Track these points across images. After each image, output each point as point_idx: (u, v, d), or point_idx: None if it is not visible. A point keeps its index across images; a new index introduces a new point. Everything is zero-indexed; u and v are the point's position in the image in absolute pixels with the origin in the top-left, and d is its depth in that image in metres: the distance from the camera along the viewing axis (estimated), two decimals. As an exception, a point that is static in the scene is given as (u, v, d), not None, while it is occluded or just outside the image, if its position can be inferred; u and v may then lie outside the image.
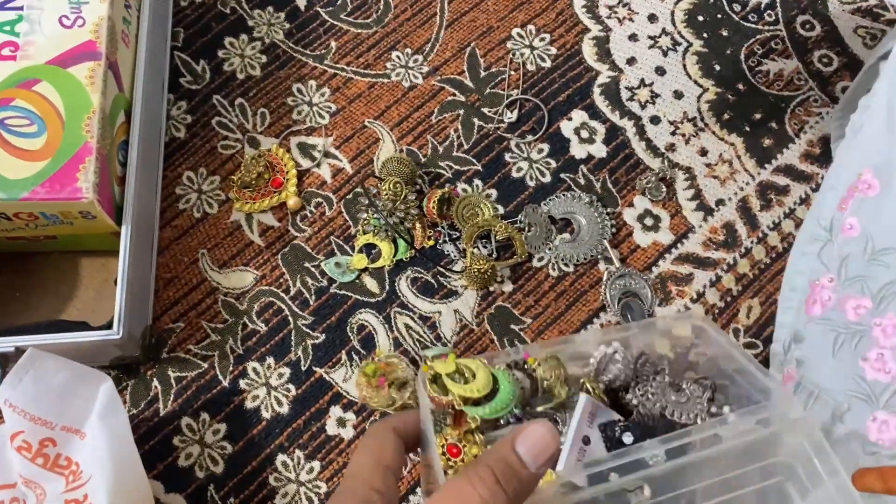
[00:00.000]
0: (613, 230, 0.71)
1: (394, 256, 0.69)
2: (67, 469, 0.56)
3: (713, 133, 0.75)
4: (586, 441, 0.51)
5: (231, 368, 0.65)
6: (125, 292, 0.60)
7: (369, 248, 0.70)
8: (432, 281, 0.69)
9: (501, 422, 0.50)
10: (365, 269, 0.69)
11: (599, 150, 0.74)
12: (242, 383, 0.65)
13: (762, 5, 0.80)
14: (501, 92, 0.76)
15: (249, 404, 0.65)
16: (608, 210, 0.71)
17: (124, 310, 0.59)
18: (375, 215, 0.68)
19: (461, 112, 0.75)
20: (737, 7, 0.80)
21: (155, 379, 0.65)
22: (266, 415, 0.64)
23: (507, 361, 0.53)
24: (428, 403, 0.46)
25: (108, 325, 0.60)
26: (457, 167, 0.73)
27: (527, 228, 0.70)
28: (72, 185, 0.58)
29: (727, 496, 0.49)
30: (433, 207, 0.69)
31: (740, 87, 0.77)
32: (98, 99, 0.60)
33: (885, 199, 0.58)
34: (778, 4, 0.80)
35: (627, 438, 0.52)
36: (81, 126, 0.59)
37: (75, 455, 0.56)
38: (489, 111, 0.75)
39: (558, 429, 0.52)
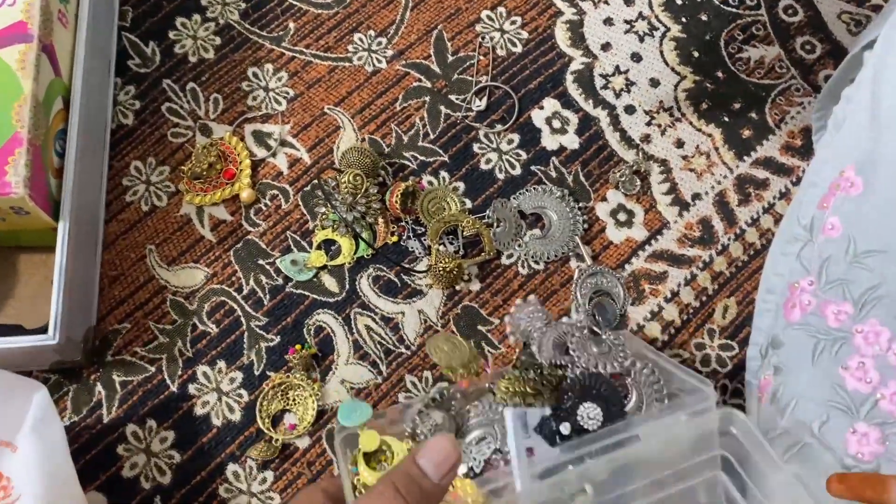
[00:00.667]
0: (585, 226, 0.67)
1: (354, 253, 0.65)
2: (-2, 485, 0.52)
3: (690, 123, 0.72)
4: (531, 453, 0.49)
5: (180, 372, 0.62)
6: (62, 293, 0.56)
7: (328, 245, 0.66)
8: (395, 280, 0.65)
9: None
10: (323, 267, 0.65)
11: (572, 141, 0.71)
12: (192, 388, 0.61)
13: (743, -11, 0.77)
14: (470, 78, 0.72)
15: (199, 410, 0.61)
16: (580, 205, 0.68)
17: (61, 312, 0.55)
18: (334, 210, 0.64)
19: (427, 99, 0.71)
20: (717, -10, 0.77)
21: (99, 384, 0.61)
22: (217, 422, 0.61)
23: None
24: (347, 474, 0.46)
25: (45, 329, 0.56)
26: (422, 158, 0.69)
27: (495, 224, 0.66)
28: (0, 178, 0.53)
29: (666, 492, 0.49)
30: (396, 202, 0.65)
31: (719, 74, 0.74)
32: (30, 85, 0.56)
33: (868, 198, 0.55)
34: (760, -12, 0.77)
35: (565, 429, 0.49)
36: (11, 115, 0.55)
37: (6, 469, 0.52)
38: (457, 98, 0.71)
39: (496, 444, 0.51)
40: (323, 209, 0.66)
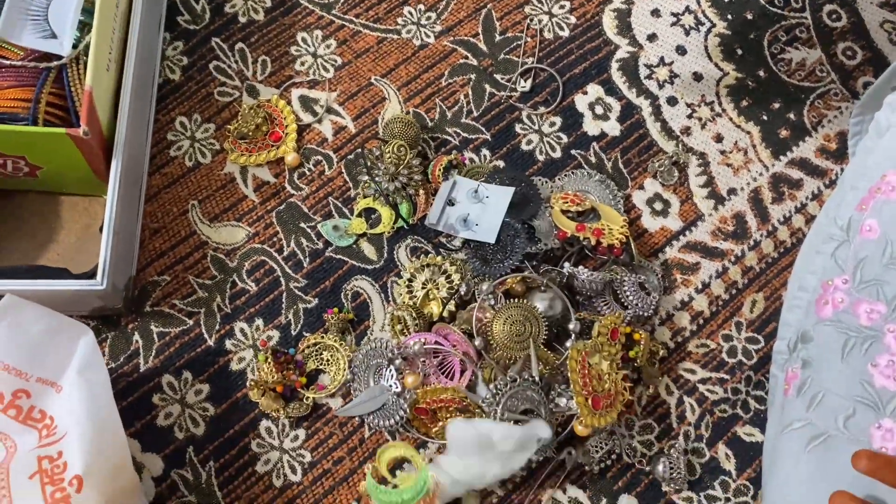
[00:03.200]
0: (624, 215, 0.68)
1: (394, 223, 0.66)
2: (41, 423, 0.53)
3: (730, 119, 0.73)
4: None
5: (217, 327, 0.63)
6: (111, 241, 0.57)
7: (369, 213, 0.67)
8: (432, 252, 0.66)
9: None
10: (363, 235, 0.66)
11: (613, 127, 0.72)
12: (228, 344, 0.62)
13: (790, -10, 0.78)
14: (516, 59, 0.73)
15: (235, 366, 0.62)
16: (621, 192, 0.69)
17: (109, 260, 0.56)
18: (374, 181, 0.65)
19: (473, 77, 0.72)
20: (764, -10, 0.78)
21: (136, 333, 0.62)
22: (252, 378, 0.62)
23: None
24: None
25: (91, 275, 0.57)
26: (465, 134, 0.70)
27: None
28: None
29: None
30: (439, 175, 0.66)
31: (761, 73, 0.75)
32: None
33: (910, 203, 0.56)
34: (806, -9, 0.78)
35: None
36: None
37: (50, 408, 0.53)
38: (502, 78, 0.72)
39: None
40: (365, 178, 0.66)
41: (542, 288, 0.61)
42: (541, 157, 0.70)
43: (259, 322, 0.63)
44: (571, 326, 0.59)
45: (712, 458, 0.63)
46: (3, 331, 0.51)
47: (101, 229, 0.58)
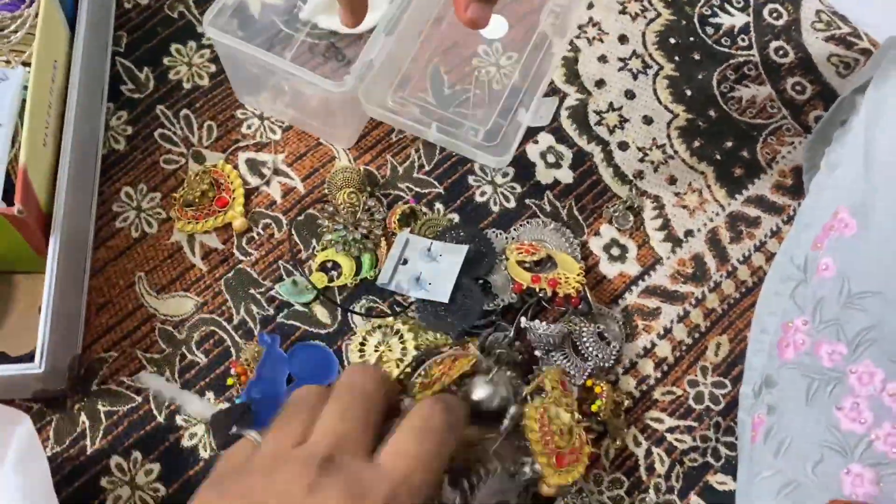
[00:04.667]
0: (582, 262, 0.67)
1: (356, 275, 0.64)
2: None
3: (683, 161, 0.72)
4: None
5: (167, 403, 0.60)
6: (50, 321, 0.55)
7: (327, 269, 0.65)
8: (388, 311, 0.65)
9: None
10: (325, 289, 0.64)
11: (566, 175, 0.71)
12: (179, 419, 0.60)
13: (735, 29, 0.78)
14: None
15: (186, 443, 0.60)
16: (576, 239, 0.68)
17: (48, 340, 0.54)
18: (338, 229, 0.64)
19: (422, 131, 0.71)
20: (710, 30, 0.78)
21: (83, 413, 0.60)
22: (204, 454, 0.59)
23: None
24: None
25: (30, 357, 0.55)
26: (417, 189, 0.69)
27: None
28: None
29: None
30: (394, 222, 0.65)
31: (712, 113, 0.75)
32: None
33: (862, 239, 0.55)
34: (752, 29, 0.78)
35: None
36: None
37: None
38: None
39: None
40: (327, 232, 0.65)
41: (487, 370, 0.58)
42: (495, 208, 0.69)
43: (210, 395, 0.61)
44: (511, 412, 0.55)
45: (685, 511, 0.61)
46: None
47: (38, 306, 0.56)
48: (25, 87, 0.59)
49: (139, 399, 0.60)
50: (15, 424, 0.51)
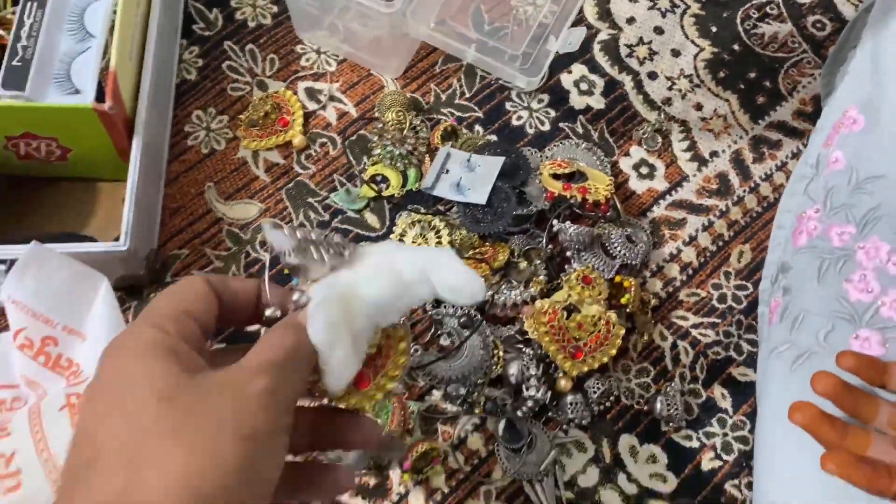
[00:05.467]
0: (612, 177, 0.72)
1: (402, 187, 0.71)
2: (68, 370, 0.57)
3: (709, 89, 0.77)
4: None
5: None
6: (133, 208, 0.62)
7: (377, 182, 0.71)
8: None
9: None
10: (375, 198, 0.71)
11: (598, 101, 0.76)
12: (243, 307, 0.67)
13: (758, -28, 0.83)
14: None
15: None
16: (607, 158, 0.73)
17: (132, 224, 0.61)
18: (386, 145, 0.71)
19: (464, 64, 0.78)
20: (734, -26, 0.83)
21: (119, 336, 0.66)
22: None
23: None
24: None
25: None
26: (458, 113, 0.75)
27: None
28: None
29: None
30: (438, 141, 0.71)
31: (736, 47, 0.79)
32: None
33: (869, 133, 0.59)
34: (773, -28, 0.83)
35: None
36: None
37: (76, 356, 0.58)
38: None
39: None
40: (376, 148, 0.72)
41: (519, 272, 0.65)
42: (531, 131, 0.75)
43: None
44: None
45: (708, 398, 0.66)
46: (29, 279, 0.56)
47: (123, 200, 0.63)
48: (114, 13, 0.66)
49: (208, 289, 0.67)
50: (97, 283, 0.58)
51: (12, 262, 0.59)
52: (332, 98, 0.76)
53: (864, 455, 0.47)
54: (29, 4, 0.63)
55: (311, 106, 0.75)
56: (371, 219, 0.71)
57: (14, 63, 0.61)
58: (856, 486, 0.46)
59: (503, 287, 0.66)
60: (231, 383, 0.33)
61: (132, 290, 0.67)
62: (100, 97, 0.62)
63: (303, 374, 0.35)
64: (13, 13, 0.65)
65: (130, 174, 0.63)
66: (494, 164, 0.70)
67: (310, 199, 0.71)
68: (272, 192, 0.71)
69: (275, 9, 0.80)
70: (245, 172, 0.72)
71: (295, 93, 0.76)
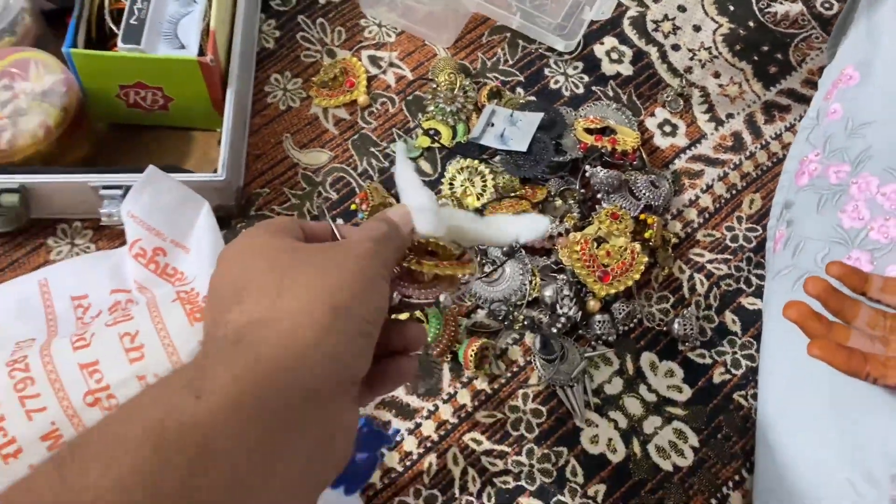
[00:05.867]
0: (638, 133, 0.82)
1: (452, 139, 0.81)
2: (174, 277, 0.68)
3: (726, 60, 0.87)
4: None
5: (306, 225, 0.78)
6: (228, 146, 0.73)
7: (430, 134, 0.82)
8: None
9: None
10: (428, 149, 0.81)
11: (627, 69, 0.86)
12: (315, 237, 0.77)
13: (773, -41, 0.93)
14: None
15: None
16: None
17: (228, 158, 0.72)
18: (438, 103, 0.81)
19: (508, 35, 0.88)
20: (750, -40, 0.93)
21: (243, 230, 0.77)
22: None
23: None
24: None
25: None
26: (502, 78, 0.86)
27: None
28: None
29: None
30: (484, 98, 0.81)
31: (751, 24, 0.89)
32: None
33: (864, 86, 0.69)
34: (787, -42, 0.93)
35: None
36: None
37: (180, 266, 0.68)
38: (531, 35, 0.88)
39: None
40: (430, 105, 0.82)
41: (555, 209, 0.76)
42: (566, 93, 0.85)
43: (340, 221, 0.78)
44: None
45: (720, 323, 0.75)
46: (146, 197, 0.67)
47: (218, 142, 0.74)
48: None
49: (285, 222, 0.78)
50: (199, 205, 0.68)
51: (126, 188, 0.70)
52: (391, 64, 0.86)
53: (843, 344, 0.55)
54: (143, -26, 0.75)
55: (374, 71, 0.86)
56: (425, 166, 0.81)
57: (131, 22, 0.72)
58: (835, 367, 0.53)
59: (541, 222, 0.75)
60: (344, 245, 0.41)
61: (222, 221, 0.77)
62: (200, 54, 0.74)
63: (395, 245, 0.43)
64: (128, -18, 0.77)
65: (225, 118, 0.74)
66: (534, 118, 0.80)
67: (372, 149, 0.82)
68: (340, 143, 0.82)
69: (342, -12, 0.91)
70: (317, 126, 0.83)
71: (360, 59, 0.86)
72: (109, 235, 0.76)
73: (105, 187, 0.70)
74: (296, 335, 0.35)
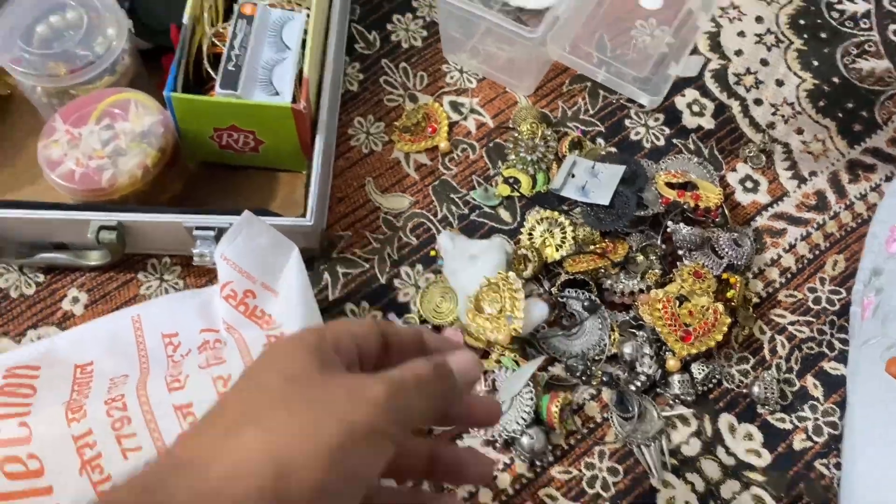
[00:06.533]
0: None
1: (532, 188, 0.82)
2: (262, 319, 0.70)
3: (809, 116, 0.86)
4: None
5: (388, 270, 0.79)
6: (318, 187, 0.74)
7: (509, 183, 0.83)
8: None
9: None
10: (507, 197, 0.82)
11: (708, 122, 0.86)
12: (396, 282, 0.78)
13: (858, 14, 0.92)
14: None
15: (401, 298, 0.77)
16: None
17: (316, 203, 0.74)
18: (519, 152, 0.82)
19: (589, 84, 0.88)
20: (835, 15, 0.92)
21: (326, 273, 0.79)
22: (414, 309, 0.77)
23: None
24: None
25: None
26: (583, 127, 0.86)
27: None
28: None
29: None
30: (566, 148, 0.82)
31: (835, 80, 0.88)
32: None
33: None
34: (873, 14, 0.92)
35: None
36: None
37: (268, 308, 0.70)
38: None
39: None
40: (511, 154, 0.83)
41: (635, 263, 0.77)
42: (647, 145, 0.85)
43: (419, 267, 0.79)
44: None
45: (801, 387, 0.74)
46: (241, 240, 0.69)
47: (306, 186, 0.76)
48: (305, 31, 0.79)
49: (367, 266, 0.79)
50: (290, 249, 0.70)
51: (219, 229, 0.72)
52: (472, 110, 0.88)
53: None
54: (239, 21, 0.77)
55: (455, 117, 0.87)
56: (504, 214, 0.82)
57: (229, 68, 0.74)
58: None
59: (622, 277, 0.75)
60: (352, 384, 0.35)
61: (305, 263, 0.79)
62: (293, 100, 0.75)
63: (429, 401, 0.37)
64: (224, 28, 0.79)
65: (315, 165, 0.75)
66: (616, 171, 0.80)
67: (452, 195, 0.83)
68: (421, 188, 0.83)
69: (424, 33, 0.93)
70: (398, 170, 0.84)
71: (441, 105, 0.88)
72: (197, 272, 0.78)
73: (198, 228, 0.72)
74: (219, 490, 0.31)
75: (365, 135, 0.86)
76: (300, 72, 0.76)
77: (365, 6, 0.94)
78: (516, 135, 0.84)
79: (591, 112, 0.87)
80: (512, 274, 0.72)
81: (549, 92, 0.88)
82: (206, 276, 0.78)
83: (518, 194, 0.82)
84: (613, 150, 0.85)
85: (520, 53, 0.85)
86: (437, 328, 0.76)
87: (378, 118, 0.87)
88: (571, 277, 0.75)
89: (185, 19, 0.77)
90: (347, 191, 0.83)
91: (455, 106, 0.88)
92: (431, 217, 0.82)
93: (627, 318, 0.75)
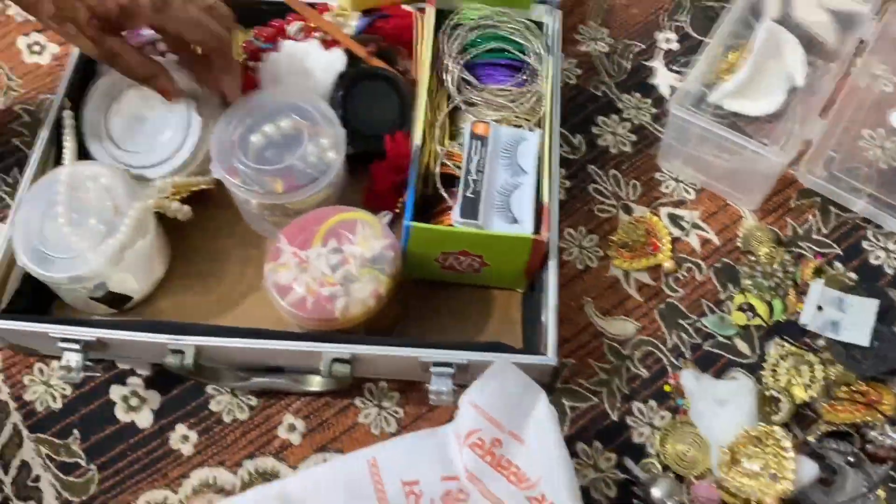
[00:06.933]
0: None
1: (770, 317, 0.76)
2: (507, 470, 0.65)
3: None
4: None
5: (618, 405, 0.74)
6: (555, 324, 0.69)
7: (743, 310, 0.77)
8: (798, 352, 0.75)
9: None
10: (743, 326, 0.76)
11: (956, 248, 0.80)
12: (628, 419, 0.73)
13: None
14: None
15: (636, 439, 0.72)
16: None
17: (555, 340, 0.69)
18: (755, 277, 0.76)
19: (818, 199, 0.83)
20: None
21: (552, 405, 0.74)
22: (651, 451, 0.71)
23: None
24: None
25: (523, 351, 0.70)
26: (816, 248, 0.80)
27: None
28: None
29: None
30: (809, 275, 0.76)
31: None
32: (548, 161, 0.72)
33: None
34: None
35: None
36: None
37: (514, 458, 0.65)
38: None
39: None
40: (747, 278, 0.77)
41: None
42: (888, 271, 0.79)
43: (653, 403, 0.74)
44: None
45: None
46: (492, 389, 0.64)
47: (524, 317, 0.71)
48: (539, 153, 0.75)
49: (595, 399, 0.74)
50: (537, 395, 0.65)
51: (457, 364, 0.68)
52: (694, 225, 0.82)
53: None
54: (474, 142, 0.73)
55: (675, 232, 0.82)
56: (741, 345, 0.76)
57: (468, 195, 0.70)
58: None
59: (888, 430, 0.69)
60: None
61: (528, 394, 0.74)
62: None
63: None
64: (454, 146, 0.75)
65: (550, 297, 0.70)
66: (868, 305, 0.74)
67: (680, 321, 0.77)
68: (646, 312, 0.78)
69: (633, 137, 0.88)
70: (619, 290, 0.79)
71: (659, 217, 0.83)
72: (416, 400, 0.74)
73: (436, 364, 0.68)
74: None
75: (578, 248, 0.82)
76: (537, 197, 0.72)
77: (566, 106, 0.90)
78: (752, 258, 0.79)
79: (825, 231, 0.81)
80: (779, 429, 0.66)
81: (775, 207, 0.83)
82: (425, 405, 0.73)
83: (755, 323, 0.76)
84: (853, 275, 0.79)
85: (744, 164, 0.80)
86: (680, 478, 0.70)
87: (590, 230, 0.83)
88: (835, 429, 0.69)
89: (417, 139, 0.74)
90: (566, 313, 0.78)
91: (674, 219, 0.83)
92: (660, 345, 0.76)
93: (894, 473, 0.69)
